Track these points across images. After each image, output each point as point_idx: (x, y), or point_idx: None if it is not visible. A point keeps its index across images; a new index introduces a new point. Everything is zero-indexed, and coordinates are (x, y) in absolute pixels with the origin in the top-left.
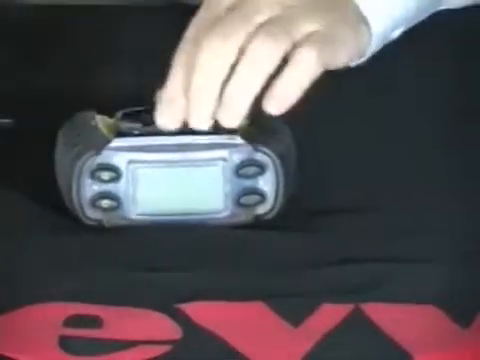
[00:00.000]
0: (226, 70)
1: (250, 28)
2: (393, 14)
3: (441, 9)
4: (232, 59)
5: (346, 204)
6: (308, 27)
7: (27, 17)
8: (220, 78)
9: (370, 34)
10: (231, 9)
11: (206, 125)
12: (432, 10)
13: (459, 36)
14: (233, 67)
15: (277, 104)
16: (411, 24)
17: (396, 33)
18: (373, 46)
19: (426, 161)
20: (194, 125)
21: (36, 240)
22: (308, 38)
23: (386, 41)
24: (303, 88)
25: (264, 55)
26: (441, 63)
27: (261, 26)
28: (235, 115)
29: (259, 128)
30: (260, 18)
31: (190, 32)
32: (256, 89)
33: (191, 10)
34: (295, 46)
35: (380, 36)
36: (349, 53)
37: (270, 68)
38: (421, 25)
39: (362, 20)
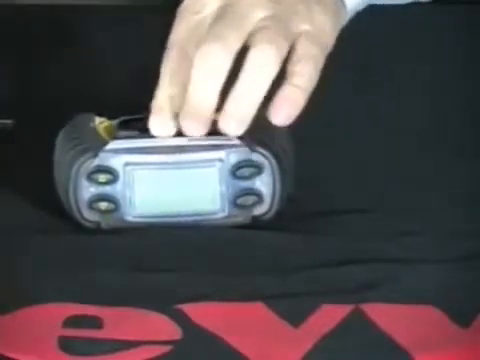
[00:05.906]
0: (224, 78)
1: (247, 30)
2: None
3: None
4: (230, 65)
5: (346, 205)
6: (301, 27)
7: (27, 17)
8: (219, 88)
9: (346, 14)
10: (222, 12)
11: (203, 133)
12: None
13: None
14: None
15: (286, 113)
16: None
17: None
18: (345, 23)
19: (426, 161)
20: (190, 134)
21: (36, 240)
22: (304, 46)
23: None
24: (306, 98)
25: (267, 63)
26: (440, 60)
27: (259, 30)
28: (240, 124)
29: (256, 128)
30: (255, 18)
31: (175, 37)
32: (260, 97)
33: None
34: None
35: (353, 12)
36: (332, 43)
37: (273, 74)
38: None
39: (341, 3)
